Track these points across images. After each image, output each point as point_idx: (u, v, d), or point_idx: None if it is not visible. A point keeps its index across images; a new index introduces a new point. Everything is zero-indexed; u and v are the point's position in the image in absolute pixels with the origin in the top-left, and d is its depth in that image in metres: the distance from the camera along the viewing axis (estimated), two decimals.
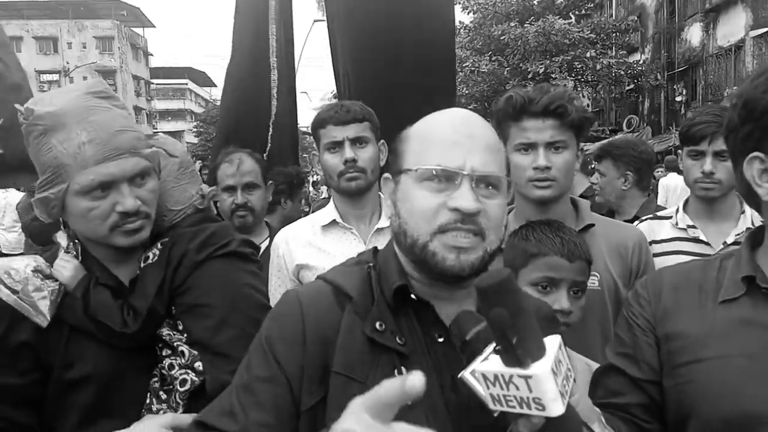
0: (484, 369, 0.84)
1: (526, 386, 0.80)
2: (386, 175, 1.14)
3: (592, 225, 1.83)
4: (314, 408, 0.99)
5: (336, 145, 2.03)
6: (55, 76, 45.82)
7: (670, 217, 2.28)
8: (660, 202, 9.43)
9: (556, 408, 0.80)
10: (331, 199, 2.19)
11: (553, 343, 0.86)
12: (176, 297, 1.41)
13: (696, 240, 2.17)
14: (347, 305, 1.05)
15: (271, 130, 3.47)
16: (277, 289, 2.18)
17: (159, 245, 1.46)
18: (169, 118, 65.07)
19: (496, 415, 0.86)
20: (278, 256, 2.17)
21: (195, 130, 53.42)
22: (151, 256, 1.46)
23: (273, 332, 1.06)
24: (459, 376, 0.89)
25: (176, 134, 60.72)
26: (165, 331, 1.40)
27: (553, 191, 1.76)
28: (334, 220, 2.11)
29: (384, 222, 2.05)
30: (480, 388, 0.85)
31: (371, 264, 1.12)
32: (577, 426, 0.88)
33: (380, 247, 1.19)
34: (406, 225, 1.04)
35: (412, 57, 2.85)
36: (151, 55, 58.29)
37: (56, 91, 1.43)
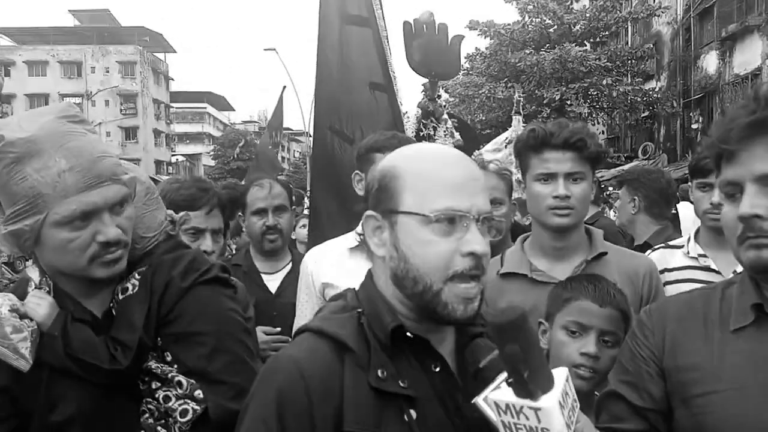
0: (497, 398, 0.92)
1: (536, 417, 0.88)
2: (371, 213, 1.10)
3: (605, 253, 1.89)
4: None
5: None
6: (78, 99, 46.84)
7: (682, 246, 2.33)
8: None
9: None
10: (361, 223, 2.26)
11: (560, 376, 0.93)
12: (163, 327, 1.36)
13: (707, 269, 2.22)
14: (346, 358, 1.03)
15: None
16: (305, 303, 2.28)
17: (136, 275, 1.40)
18: (188, 141, 65.98)
19: None
20: (307, 273, 2.27)
21: (212, 153, 54.12)
22: (130, 287, 1.39)
23: (278, 410, 1.00)
24: (473, 401, 0.96)
25: (194, 157, 61.53)
26: (153, 364, 1.35)
27: (571, 219, 1.83)
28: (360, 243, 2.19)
29: None
30: (492, 415, 0.93)
31: (359, 310, 1.10)
32: None
33: None
34: (416, 271, 1.03)
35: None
36: (172, 79, 59.38)
37: (24, 116, 1.34)
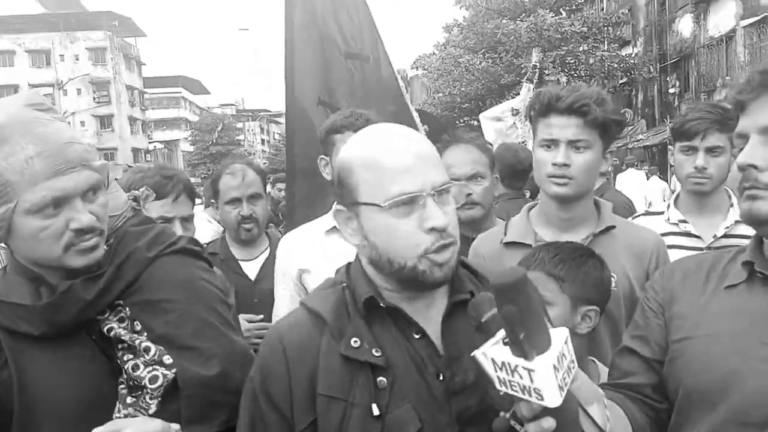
0: (494, 355, 0.92)
1: (529, 377, 0.89)
2: (338, 207, 1.18)
3: (613, 227, 1.83)
4: (306, 429, 1.10)
5: None
6: (49, 89, 45.77)
7: (662, 213, 2.33)
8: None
9: (553, 400, 0.89)
10: (334, 205, 2.22)
11: (559, 337, 0.93)
12: (128, 296, 1.33)
13: (688, 234, 2.22)
14: (325, 329, 1.13)
15: None
16: (282, 292, 2.24)
17: (104, 246, 1.37)
18: (164, 128, 65.08)
19: (502, 394, 0.94)
20: (282, 260, 2.23)
21: (190, 138, 53.48)
22: None
23: (261, 378, 1.16)
24: (472, 354, 0.97)
25: (172, 143, 60.74)
26: (122, 332, 1.31)
27: (569, 189, 1.76)
28: (335, 226, 2.15)
29: None
30: (489, 369, 0.94)
31: (345, 284, 1.18)
32: (573, 414, 0.97)
33: None
34: (388, 254, 1.10)
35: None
36: (144, 64, 58.23)
37: None
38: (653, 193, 9.67)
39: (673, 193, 9.45)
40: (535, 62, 6.24)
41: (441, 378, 1.10)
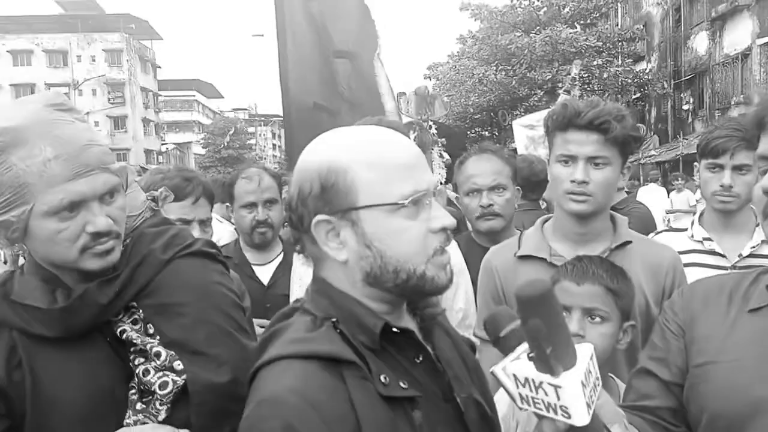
0: (516, 370, 0.89)
1: (555, 394, 0.85)
2: (322, 217, 1.00)
3: (629, 242, 1.79)
4: None
5: None
6: (65, 89, 46.23)
7: (686, 230, 2.29)
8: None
9: (581, 418, 0.85)
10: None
11: (585, 353, 0.90)
12: (142, 299, 1.31)
13: (712, 252, 2.18)
14: (345, 374, 0.94)
15: None
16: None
17: (121, 248, 1.36)
18: (177, 130, 65.53)
19: (524, 411, 0.91)
20: (298, 266, 2.23)
21: (203, 141, 53.81)
22: None
23: None
24: (490, 370, 0.93)
25: (184, 145, 61.14)
26: (134, 335, 1.30)
27: (588, 206, 1.73)
28: None
29: None
30: (510, 385, 0.90)
31: (333, 320, 1.00)
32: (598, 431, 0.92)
33: None
34: (396, 262, 0.98)
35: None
36: (159, 67, 58.73)
37: (10, 105, 1.32)
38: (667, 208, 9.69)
39: (669, 211, 9.48)
40: (575, 74, 6.38)
41: (447, 397, 1.05)
